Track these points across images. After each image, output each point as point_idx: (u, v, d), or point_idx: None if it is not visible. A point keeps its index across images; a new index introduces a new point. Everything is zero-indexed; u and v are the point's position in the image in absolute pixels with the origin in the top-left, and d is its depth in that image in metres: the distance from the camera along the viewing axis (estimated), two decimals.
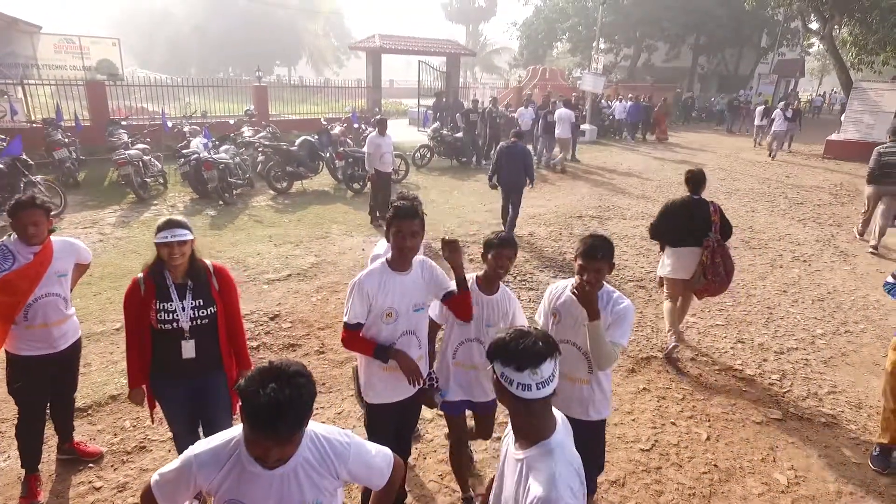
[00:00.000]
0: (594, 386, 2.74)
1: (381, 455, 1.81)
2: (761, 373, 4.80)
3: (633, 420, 4.11)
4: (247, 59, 42.72)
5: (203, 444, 1.65)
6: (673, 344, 4.92)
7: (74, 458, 3.48)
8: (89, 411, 3.98)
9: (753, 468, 3.66)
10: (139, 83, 14.40)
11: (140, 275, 2.72)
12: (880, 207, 8.20)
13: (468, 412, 3.11)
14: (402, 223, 2.50)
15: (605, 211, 10.10)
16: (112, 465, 3.47)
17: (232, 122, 13.25)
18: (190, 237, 2.67)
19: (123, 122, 11.59)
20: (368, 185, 9.59)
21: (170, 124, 11.99)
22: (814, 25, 23.37)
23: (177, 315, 2.68)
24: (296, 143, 10.86)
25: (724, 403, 4.35)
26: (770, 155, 16.70)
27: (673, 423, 4.08)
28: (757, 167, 15.34)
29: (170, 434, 3.74)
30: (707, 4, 29.74)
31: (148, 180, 9.89)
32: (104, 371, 4.46)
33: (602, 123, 20.57)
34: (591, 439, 2.73)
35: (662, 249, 5.10)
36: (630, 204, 10.61)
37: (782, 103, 18.48)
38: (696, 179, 4.92)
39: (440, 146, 14.10)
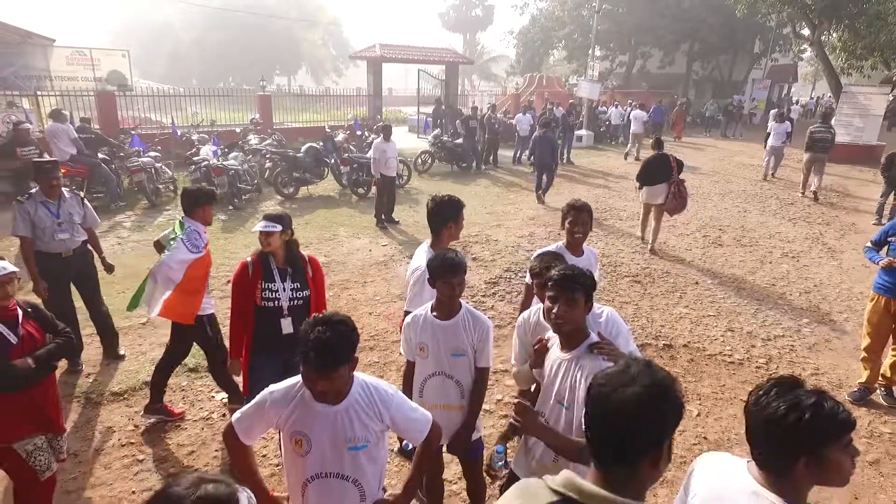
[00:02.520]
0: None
1: (421, 413, 2.12)
2: (749, 357, 5.13)
3: None
4: (247, 69, 43.15)
5: (276, 386, 2.00)
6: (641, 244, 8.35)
7: (115, 435, 3.80)
8: (125, 395, 4.28)
9: (740, 440, 3.97)
10: (145, 94, 14.77)
11: (249, 258, 3.17)
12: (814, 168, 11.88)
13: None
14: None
15: (602, 212, 10.44)
16: (152, 442, 3.78)
17: (238, 130, 13.61)
18: (275, 229, 3.08)
19: (133, 132, 11.93)
20: (373, 189, 9.93)
21: (178, 133, 12.34)
22: (806, 32, 23.87)
23: (278, 295, 3.11)
24: (302, 150, 11.21)
25: (713, 385, 4.67)
26: (765, 176, 14.26)
27: None
28: (750, 170, 15.70)
29: (202, 414, 4.09)
30: (700, 12, 30.21)
31: (160, 187, 10.22)
32: (135, 360, 4.77)
33: (598, 129, 20.98)
34: None
35: (640, 187, 8.21)
36: (626, 205, 10.95)
37: (774, 111, 18.27)
38: (659, 143, 8.40)
39: (441, 152, 14.45)
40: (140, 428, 3.90)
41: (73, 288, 4.66)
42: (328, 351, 1.76)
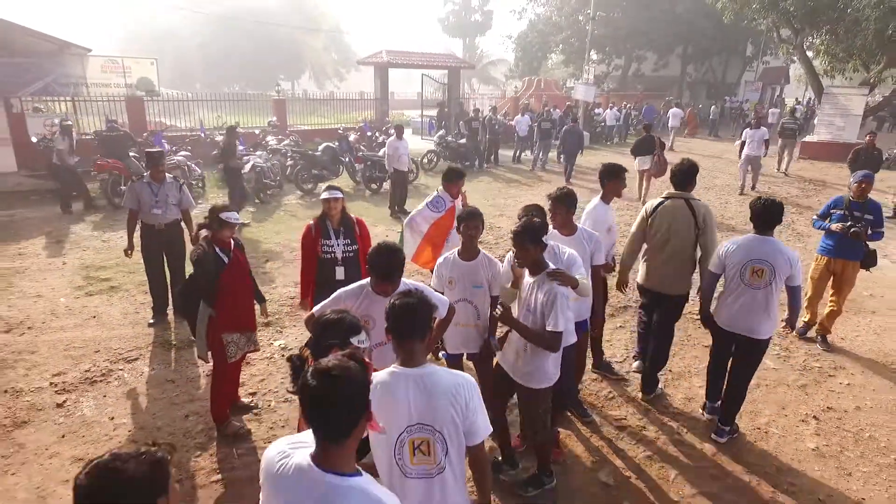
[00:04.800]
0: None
1: (443, 298, 3.12)
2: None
3: (611, 345, 5.41)
4: (251, 74, 44.26)
5: (346, 288, 3.01)
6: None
7: (199, 369, 4.78)
8: None
9: (699, 372, 4.95)
10: (168, 99, 15.75)
11: (312, 221, 4.17)
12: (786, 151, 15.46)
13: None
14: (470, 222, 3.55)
15: None
16: None
17: (257, 132, 14.60)
18: (339, 196, 4.09)
19: (162, 132, 12.92)
20: (386, 183, 10.92)
21: (205, 134, 13.32)
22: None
23: (334, 248, 4.11)
24: (319, 150, 12.20)
25: (681, 336, 5.64)
26: (742, 189, 12.90)
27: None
28: (735, 167, 16.67)
29: (266, 355, 5.07)
30: (692, 16, 31.21)
31: (192, 182, 11.18)
32: None
33: (594, 130, 21.97)
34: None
35: (634, 157, 11.24)
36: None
37: (774, 110, 19.44)
38: (647, 128, 11.75)
39: (445, 151, 15.45)
40: None
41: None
42: (395, 270, 2.83)
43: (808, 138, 19.58)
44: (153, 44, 43.57)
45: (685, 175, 4.32)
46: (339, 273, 4.11)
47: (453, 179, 5.00)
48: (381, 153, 12.33)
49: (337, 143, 12.68)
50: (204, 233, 3.94)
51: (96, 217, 9.82)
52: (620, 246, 5.03)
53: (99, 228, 9.10)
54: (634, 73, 36.63)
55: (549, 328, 2.96)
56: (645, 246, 4.47)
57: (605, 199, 4.54)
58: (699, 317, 4.23)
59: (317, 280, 4.17)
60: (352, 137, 14.09)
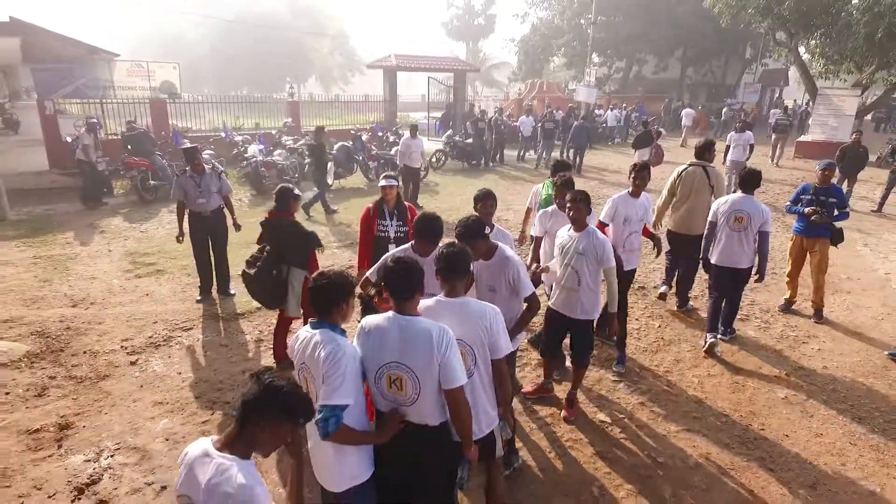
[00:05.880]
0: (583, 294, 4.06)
1: None
2: (703, 293, 6.73)
3: None
4: (257, 77, 45.07)
5: (392, 251, 3.64)
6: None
7: (247, 336, 5.44)
8: (244, 315, 5.95)
9: (686, 340, 5.61)
10: (189, 101, 16.44)
11: (371, 205, 4.79)
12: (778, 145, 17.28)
13: None
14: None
15: (596, 200, 12.00)
16: (269, 340, 5.40)
17: (274, 132, 15.30)
18: (394, 184, 4.74)
19: (181, 133, 13.63)
20: (400, 178, 11.58)
21: (226, 135, 14.03)
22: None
23: (387, 229, 4.73)
24: (335, 149, 12.86)
25: (671, 311, 6.29)
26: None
27: (637, 319, 6.04)
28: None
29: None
30: (692, 19, 31.80)
31: None
32: (243, 296, 6.40)
33: (595, 130, 22.59)
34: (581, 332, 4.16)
35: (635, 150, 12.60)
36: (614, 193, 12.57)
37: (775, 111, 20.45)
38: (646, 124, 15.23)
39: (453, 151, 16.13)
40: (265, 332, 5.54)
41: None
42: (436, 232, 3.44)
43: (802, 138, 20.20)
44: (163, 48, 44.40)
45: (703, 148, 5.95)
46: (392, 250, 4.75)
47: (560, 171, 5.43)
48: (392, 151, 13.02)
49: (351, 143, 13.36)
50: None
51: (128, 210, 10.50)
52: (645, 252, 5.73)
53: (133, 221, 9.78)
54: (635, 75, 37.24)
55: (526, 295, 3.48)
56: (675, 200, 5.97)
57: (632, 192, 4.94)
58: (700, 256, 5.54)
59: (374, 257, 4.76)
60: (364, 137, 14.76)
